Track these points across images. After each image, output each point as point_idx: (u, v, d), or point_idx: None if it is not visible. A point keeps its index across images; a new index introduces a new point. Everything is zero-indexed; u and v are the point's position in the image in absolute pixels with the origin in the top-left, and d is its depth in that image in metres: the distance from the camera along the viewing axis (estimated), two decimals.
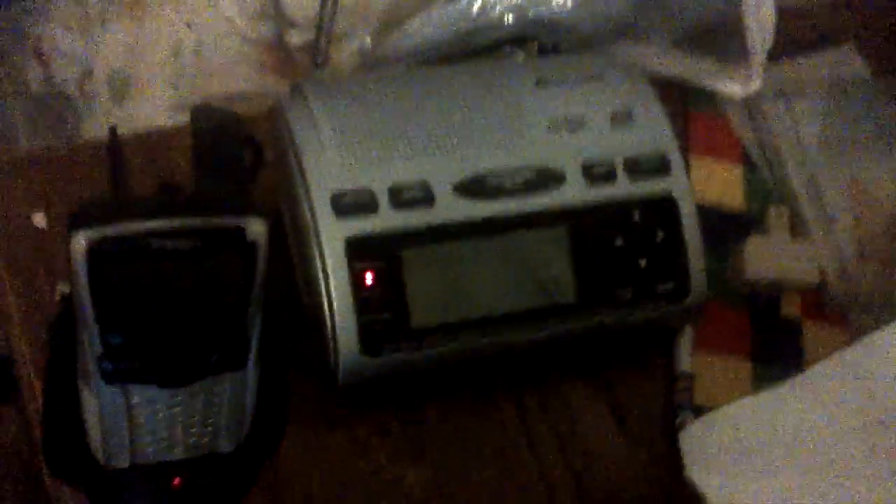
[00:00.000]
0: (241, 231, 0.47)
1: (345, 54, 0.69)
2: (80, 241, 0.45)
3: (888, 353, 0.62)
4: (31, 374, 0.58)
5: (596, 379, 0.65)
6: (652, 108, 0.63)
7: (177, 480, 0.53)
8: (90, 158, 0.61)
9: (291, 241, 0.61)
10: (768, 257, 0.67)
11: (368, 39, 0.69)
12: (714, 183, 0.71)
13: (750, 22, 0.71)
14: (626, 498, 0.63)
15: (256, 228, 0.47)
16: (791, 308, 0.68)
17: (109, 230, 0.45)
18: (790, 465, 0.59)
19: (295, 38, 0.69)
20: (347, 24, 0.69)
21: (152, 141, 0.60)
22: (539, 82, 0.63)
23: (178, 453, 0.52)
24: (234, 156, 0.50)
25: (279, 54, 0.70)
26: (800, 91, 0.75)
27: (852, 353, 0.63)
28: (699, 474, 0.59)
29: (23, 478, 0.65)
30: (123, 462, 0.52)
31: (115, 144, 0.60)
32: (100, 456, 0.53)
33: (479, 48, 0.69)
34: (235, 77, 0.70)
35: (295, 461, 0.59)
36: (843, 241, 0.70)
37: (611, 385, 0.65)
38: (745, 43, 0.72)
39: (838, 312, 0.68)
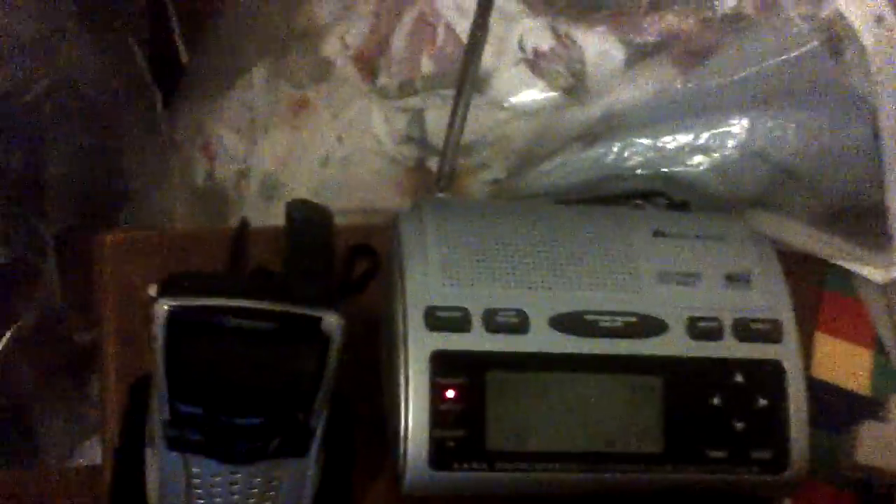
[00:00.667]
0: (316, 322, 0.48)
1: (479, 183, 0.72)
2: (163, 308, 0.47)
3: None
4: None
5: None
6: (771, 275, 0.62)
7: None
8: (217, 243, 0.64)
9: (384, 350, 0.62)
10: (884, 446, 0.63)
11: (504, 173, 0.71)
12: (839, 363, 0.69)
13: (893, 206, 0.69)
14: None
15: (332, 321, 0.49)
16: None
17: (192, 301, 0.47)
18: None
19: (435, 164, 0.71)
20: (488, 155, 0.71)
21: (271, 235, 0.63)
22: (656, 233, 0.63)
23: None
24: (324, 249, 0.52)
25: (418, 177, 0.73)
26: None
27: None
28: None
29: None
30: None
31: (241, 233, 0.64)
32: None
33: (609, 196, 0.70)
34: (375, 193, 0.73)
35: None
36: None
37: None
38: (888, 228, 0.70)
39: None
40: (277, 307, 0.48)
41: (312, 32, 0.75)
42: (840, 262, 0.72)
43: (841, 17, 0.67)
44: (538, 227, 0.62)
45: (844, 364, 0.69)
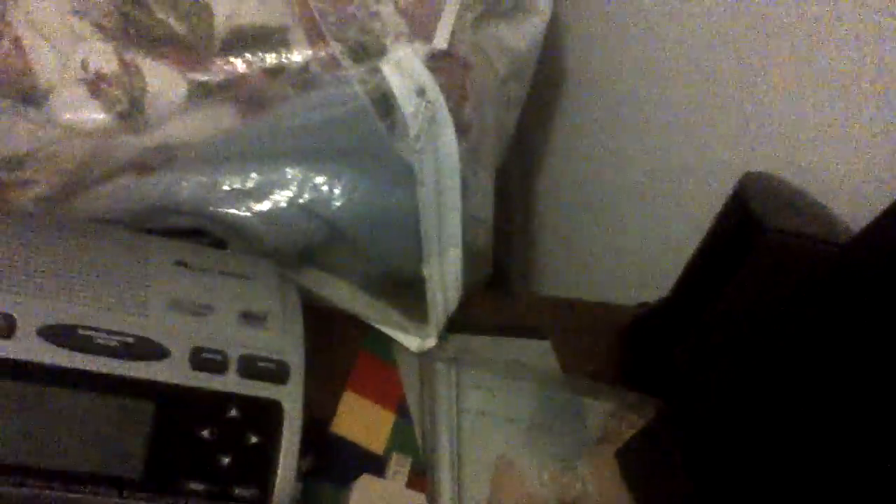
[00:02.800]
0: None
1: (27, 200, 0.68)
2: None
3: None
4: None
5: None
6: (288, 319, 0.63)
7: None
8: None
9: None
10: (375, 499, 0.64)
11: (53, 192, 0.68)
12: (362, 421, 0.69)
13: (430, 279, 0.72)
14: None
15: None
16: None
17: None
18: None
19: None
20: (37, 171, 0.68)
21: None
22: (178, 262, 0.62)
23: None
24: None
25: None
26: (473, 363, 0.75)
27: None
28: None
29: None
30: None
31: None
32: None
33: (156, 228, 0.69)
34: None
35: None
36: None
37: None
38: (427, 307, 0.73)
39: None
40: None
41: None
42: (380, 327, 0.73)
43: (390, 84, 0.70)
44: (51, 239, 0.60)
45: (367, 423, 0.69)
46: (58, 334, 0.56)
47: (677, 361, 0.73)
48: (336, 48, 0.70)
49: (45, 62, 0.69)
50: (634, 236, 0.88)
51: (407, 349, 0.73)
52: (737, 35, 0.77)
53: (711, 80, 0.80)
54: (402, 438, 0.69)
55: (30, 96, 0.68)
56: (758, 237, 0.65)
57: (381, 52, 0.70)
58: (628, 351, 0.79)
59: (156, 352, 0.58)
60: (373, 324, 0.73)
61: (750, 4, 0.76)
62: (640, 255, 0.88)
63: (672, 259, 0.75)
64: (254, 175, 0.69)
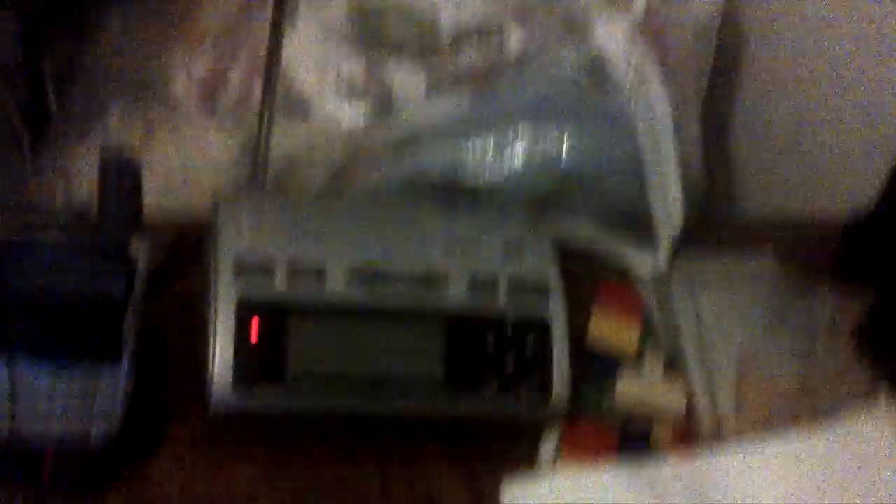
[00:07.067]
0: (125, 244, 0.59)
1: (309, 181, 0.83)
2: None
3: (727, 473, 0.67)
4: None
5: (459, 455, 0.71)
6: (543, 250, 0.74)
7: (45, 472, 0.61)
8: None
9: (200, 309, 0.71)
10: (638, 388, 0.74)
11: (325, 173, 0.82)
12: (613, 335, 0.79)
13: (656, 212, 0.82)
14: None
15: (138, 245, 0.59)
16: (661, 440, 0.74)
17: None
18: None
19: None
20: (310, 171, 0.83)
21: None
22: (444, 212, 0.75)
23: (52, 437, 0.60)
24: (132, 189, 0.63)
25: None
26: (709, 281, 0.83)
27: (694, 464, 0.68)
28: None
29: None
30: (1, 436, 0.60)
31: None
32: None
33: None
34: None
35: (161, 474, 0.66)
36: (723, 396, 0.75)
37: (472, 461, 0.70)
38: (654, 228, 0.83)
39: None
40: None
41: (160, 72, 0.87)
42: (616, 258, 0.83)
43: (601, 52, 0.81)
44: (339, 206, 0.74)
45: (615, 333, 0.79)
46: (362, 275, 0.68)
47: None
48: (547, 29, 0.82)
49: (307, 77, 0.83)
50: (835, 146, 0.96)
51: (642, 275, 0.83)
52: None
53: None
54: (649, 343, 0.79)
55: (296, 106, 0.83)
56: None
57: (587, 27, 0.82)
58: (846, 255, 0.86)
59: (440, 282, 0.70)
60: (609, 255, 0.83)
61: None
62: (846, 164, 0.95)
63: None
64: (491, 140, 0.81)
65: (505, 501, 0.66)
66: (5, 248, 0.58)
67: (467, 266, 0.71)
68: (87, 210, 0.66)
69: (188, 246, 0.75)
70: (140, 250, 0.60)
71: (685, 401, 0.74)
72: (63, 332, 0.59)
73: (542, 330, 0.70)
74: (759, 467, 0.69)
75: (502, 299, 0.70)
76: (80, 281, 0.59)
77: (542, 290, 0.71)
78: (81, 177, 0.89)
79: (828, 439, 0.70)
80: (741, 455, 0.69)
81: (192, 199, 0.83)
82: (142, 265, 0.60)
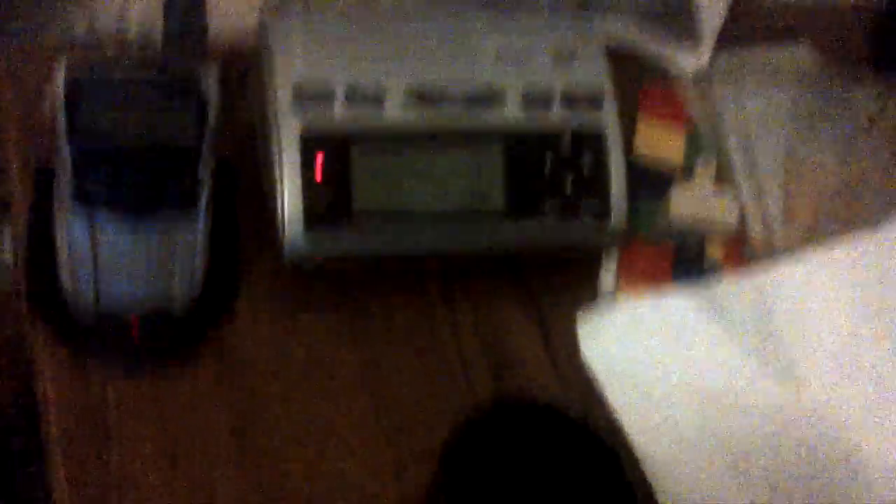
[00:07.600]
0: (195, 78, 0.56)
1: None
2: (62, 64, 0.54)
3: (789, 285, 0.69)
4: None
5: (525, 291, 0.72)
6: (594, 56, 0.71)
7: (135, 333, 0.60)
8: None
9: (259, 137, 0.69)
10: (691, 201, 0.74)
11: None
12: (659, 143, 0.79)
13: (699, 16, 0.80)
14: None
15: (208, 77, 0.57)
16: (714, 253, 0.75)
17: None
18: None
19: None
20: None
21: None
22: (492, 23, 0.72)
23: (136, 302, 0.60)
24: (199, 23, 0.59)
25: None
26: (749, 75, 0.82)
27: (755, 279, 0.70)
28: (592, 356, 0.67)
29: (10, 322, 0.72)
30: (88, 304, 0.60)
31: None
32: (69, 298, 0.61)
33: None
34: None
35: (242, 329, 0.66)
36: (772, 202, 0.76)
37: (538, 297, 0.71)
38: (696, 22, 0.81)
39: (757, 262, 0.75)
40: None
41: None
42: (658, 55, 0.82)
43: None
44: (392, 18, 0.72)
45: (661, 141, 0.79)
46: (420, 93, 0.66)
47: None
48: None
49: None
50: None
51: (683, 72, 0.82)
52: None
53: None
54: (696, 151, 0.79)
55: None
56: None
57: None
58: (881, 40, 0.85)
59: (495, 99, 0.68)
60: (651, 52, 0.82)
61: None
62: None
63: None
64: None
65: (580, 335, 0.68)
66: (76, 87, 0.55)
67: (521, 80, 0.69)
68: (145, 43, 0.63)
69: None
70: (209, 81, 0.57)
71: (737, 212, 0.75)
72: (140, 176, 0.57)
73: (598, 146, 0.69)
74: (818, 277, 0.70)
75: (557, 115, 0.69)
76: (154, 120, 0.57)
77: (596, 102, 0.70)
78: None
79: (880, 243, 0.72)
80: (800, 266, 0.71)
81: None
82: (213, 98, 0.57)
